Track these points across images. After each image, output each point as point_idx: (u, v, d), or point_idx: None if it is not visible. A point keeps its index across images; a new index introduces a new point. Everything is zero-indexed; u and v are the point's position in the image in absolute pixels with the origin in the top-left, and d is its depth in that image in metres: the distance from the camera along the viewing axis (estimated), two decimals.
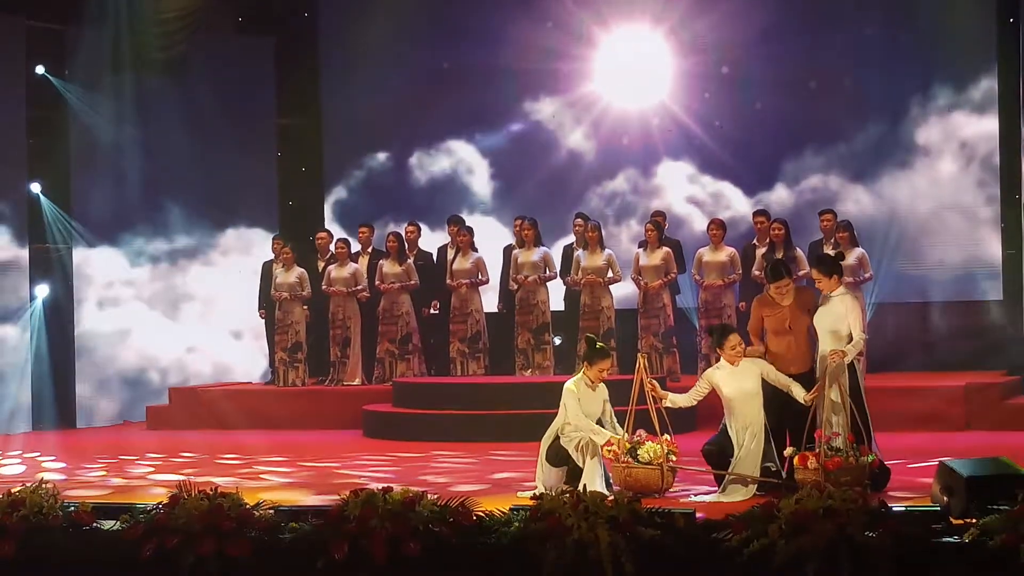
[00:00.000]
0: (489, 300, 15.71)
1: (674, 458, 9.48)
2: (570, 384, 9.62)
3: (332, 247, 15.97)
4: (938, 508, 7.92)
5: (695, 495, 9.46)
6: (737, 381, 9.51)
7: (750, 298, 13.59)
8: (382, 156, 17.74)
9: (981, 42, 15.66)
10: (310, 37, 17.98)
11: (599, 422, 9.61)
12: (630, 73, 16.83)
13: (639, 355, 9.86)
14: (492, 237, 16.36)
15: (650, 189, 16.87)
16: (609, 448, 9.44)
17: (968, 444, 11.74)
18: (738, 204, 16.42)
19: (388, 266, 15.53)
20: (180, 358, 17.44)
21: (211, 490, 8.15)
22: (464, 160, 17.50)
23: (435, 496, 8.02)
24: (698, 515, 7.86)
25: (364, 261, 15.89)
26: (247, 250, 17.48)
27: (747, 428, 9.43)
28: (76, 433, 15.88)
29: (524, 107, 17.24)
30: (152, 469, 11.92)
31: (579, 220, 15.35)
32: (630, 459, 9.38)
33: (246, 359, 17.47)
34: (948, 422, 13.32)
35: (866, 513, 7.35)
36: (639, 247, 15.02)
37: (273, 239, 16.41)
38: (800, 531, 7.32)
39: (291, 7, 17.92)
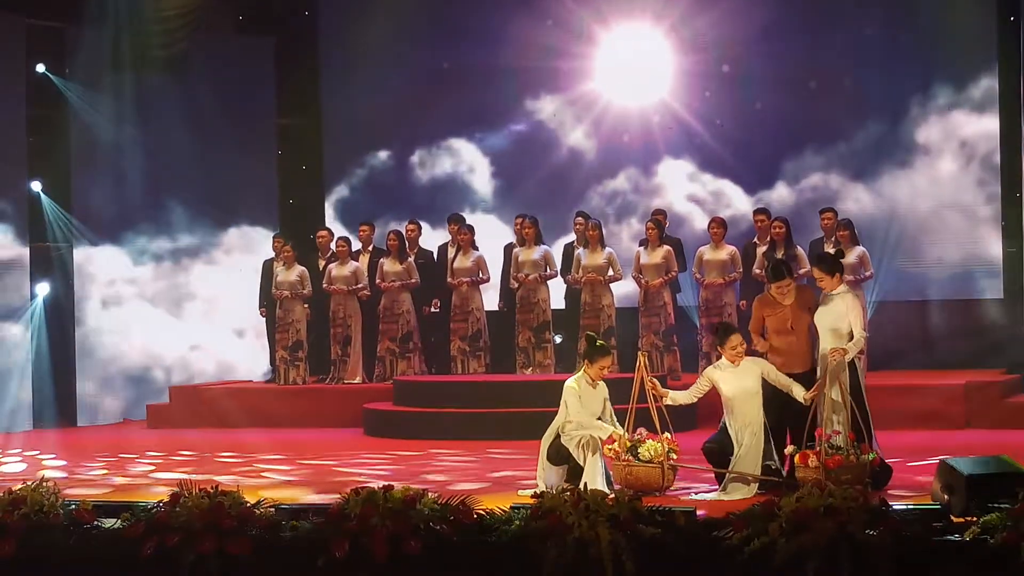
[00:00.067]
0: (490, 298, 15.71)
1: (675, 456, 9.48)
2: (571, 382, 9.63)
3: (333, 245, 15.97)
4: (939, 506, 7.92)
5: (696, 493, 9.46)
6: (738, 380, 9.51)
7: (751, 296, 13.62)
8: (383, 155, 17.74)
9: (981, 41, 15.65)
10: (310, 37, 17.98)
11: (599, 420, 9.61)
12: (631, 71, 16.83)
13: (640, 353, 9.87)
14: (493, 235, 16.36)
15: (651, 187, 16.86)
16: (610, 446, 9.45)
17: (968, 442, 11.74)
18: (739, 202, 16.43)
19: (389, 264, 15.53)
20: (184, 356, 17.46)
21: (212, 488, 8.15)
22: (465, 159, 17.50)
23: (436, 494, 8.02)
24: (699, 513, 7.86)
25: (365, 259, 15.90)
26: (250, 249, 17.48)
27: (746, 427, 9.43)
28: (77, 431, 15.88)
29: (525, 106, 17.23)
30: (153, 467, 11.92)
31: (579, 218, 15.35)
32: (631, 457, 9.38)
33: (249, 357, 17.47)
34: (948, 420, 13.33)
35: (867, 511, 7.36)
36: (640, 245, 15.03)
37: (274, 237, 16.43)
38: (801, 529, 7.32)
39: (291, 7, 17.91)
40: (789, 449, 9.34)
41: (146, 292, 17.30)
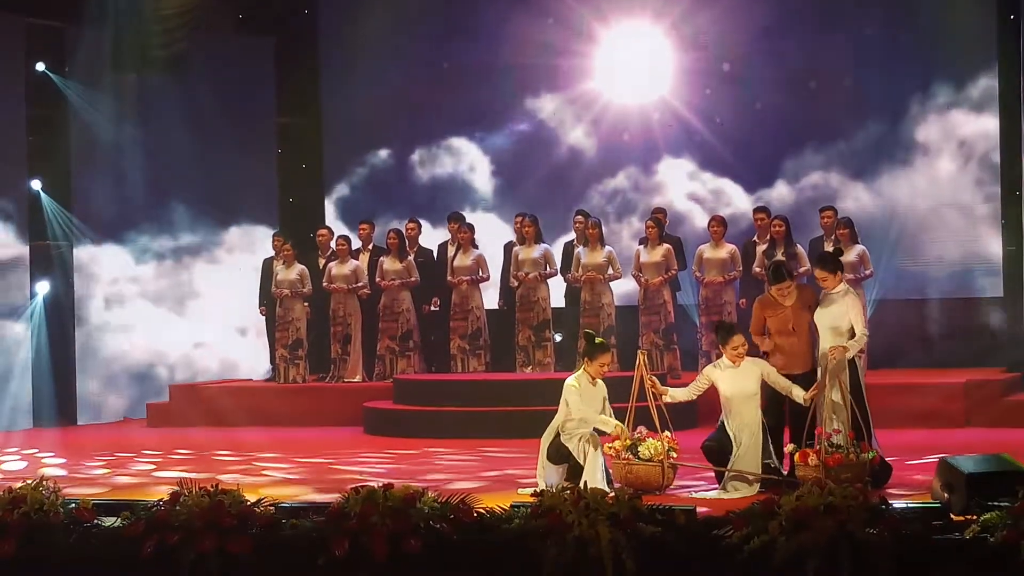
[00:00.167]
0: (490, 297, 15.71)
1: (675, 455, 9.48)
2: (571, 380, 9.63)
3: (333, 244, 15.98)
4: (939, 505, 7.92)
5: (696, 492, 9.46)
6: (737, 381, 9.51)
7: (750, 295, 13.64)
8: (384, 153, 17.74)
9: (981, 41, 15.65)
10: (310, 37, 17.97)
11: None
12: (631, 70, 16.82)
13: (639, 352, 9.87)
14: (493, 234, 16.37)
15: (651, 186, 16.86)
16: (610, 445, 9.46)
17: (968, 441, 11.75)
18: (739, 201, 16.43)
19: (389, 263, 15.54)
20: (187, 355, 17.48)
21: (212, 487, 8.16)
22: (465, 157, 17.50)
23: (436, 493, 8.03)
24: (699, 511, 7.87)
25: (365, 258, 15.90)
26: (251, 247, 17.49)
27: (744, 428, 9.42)
28: (76, 430, 15.88)
29: (525, 104, 17.23)
30: (153, 466, 11.91)
31: (579, 217, 15.34)
32: (631, 456, 9.38)
33: (252, 356, 17.48)
34: (948, 419, 13.32)
35: (867, 510, 7.36)
36: (640, 244, 15.03)
37: (274, 236, 16.43)
38: (801, 528, 7.33)
39: (291, 6, 17.91)
40: (789, 447, 9.34)
41: (149, 291, 17.32)
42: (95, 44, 16.25)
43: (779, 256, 14.00)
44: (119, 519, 8.19)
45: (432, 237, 16.39)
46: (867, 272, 14.35)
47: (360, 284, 15.64)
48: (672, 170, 16.79)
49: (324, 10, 18.01)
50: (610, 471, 9.47)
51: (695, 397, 9.89)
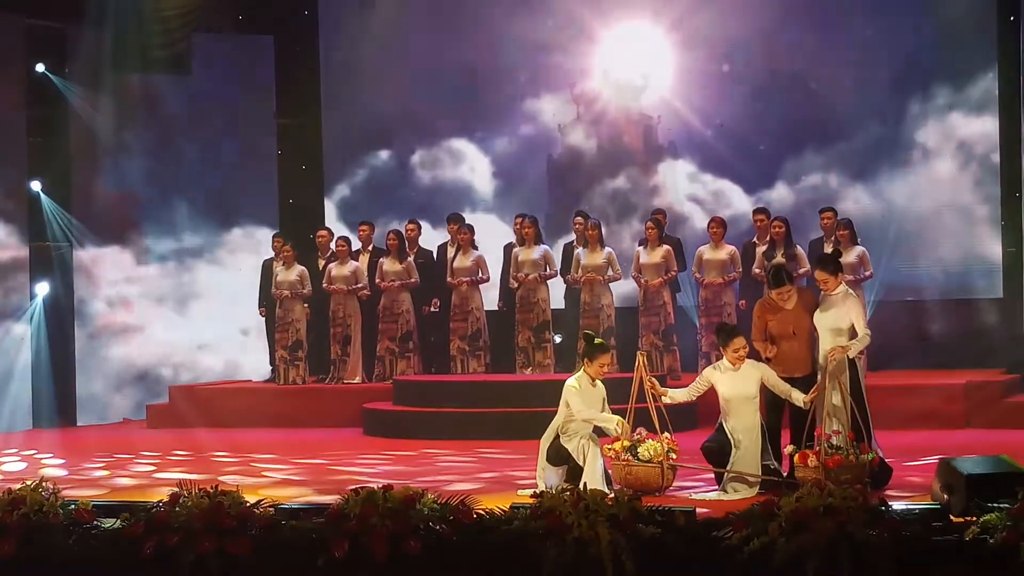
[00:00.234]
0: (489, 298, 15.70)
1: (674, 456, 9.48)
2: (571, 381, 9.63)
3: (333, 245, 15.97)
4: (938, 506, 7.93)
5: (695, 493, 9.46)
6: (736, 383, 9.50)
7: (750, 296, 13.65)
8: (384, 154, 17.74)
9: (981, 41, 15.66)
10: (310, 36, 17.96)
11: None
12: (631, 70, 16.82)
13: (639, 353, 9.86)
14: (492, 235, 16.35)
15: (651, 187, 16.86)
16: (610, 446, 9.46)
17: (968, 442, 11.75)
18: (739, 202, 16.42)
19: (388, 264, 15.54)
20: (190, 355, 17.47)
21: (211, 488, 8.16)
22: (465, 158, 17.50)
23: (435, 494, 8.03)
24: (698, 512, 7.86)
25: (365, 259, 15.90)
26: (254, 248, 17.47)
27: (743, 430, 9.42)
28: (76, 431, 15.88)
29: (525, 105, 17.23)
30: (152, 467, 11.91)
31: (579, 218, 15.34)
32: (630, 457, 9.39)
33: (255, 356, 17.46)
34: (948, 420, 13.32)
35: (866, 511, 7.36)
36: (639, 245, 15.03)
37: (273, 237, 16.42)
38: (800, 529, 7.33)
39: (291, 6, 17.91)
40: (789, 449, 9.34)
41: (151, 292, 17.31)
42: (95, 44, 16.26)
43: (779, 257, 14.01)
44: (119, 520, 8.19)
45: (432, 238, 16.38)
46: (867, 273, 14.34)
47: (360, 285, 15.64)
48: (672, 171, 16.79)
49: (324, 10, 18.00)
50: (610, 472, 9.48)
51: (694, 398, 9.89)
